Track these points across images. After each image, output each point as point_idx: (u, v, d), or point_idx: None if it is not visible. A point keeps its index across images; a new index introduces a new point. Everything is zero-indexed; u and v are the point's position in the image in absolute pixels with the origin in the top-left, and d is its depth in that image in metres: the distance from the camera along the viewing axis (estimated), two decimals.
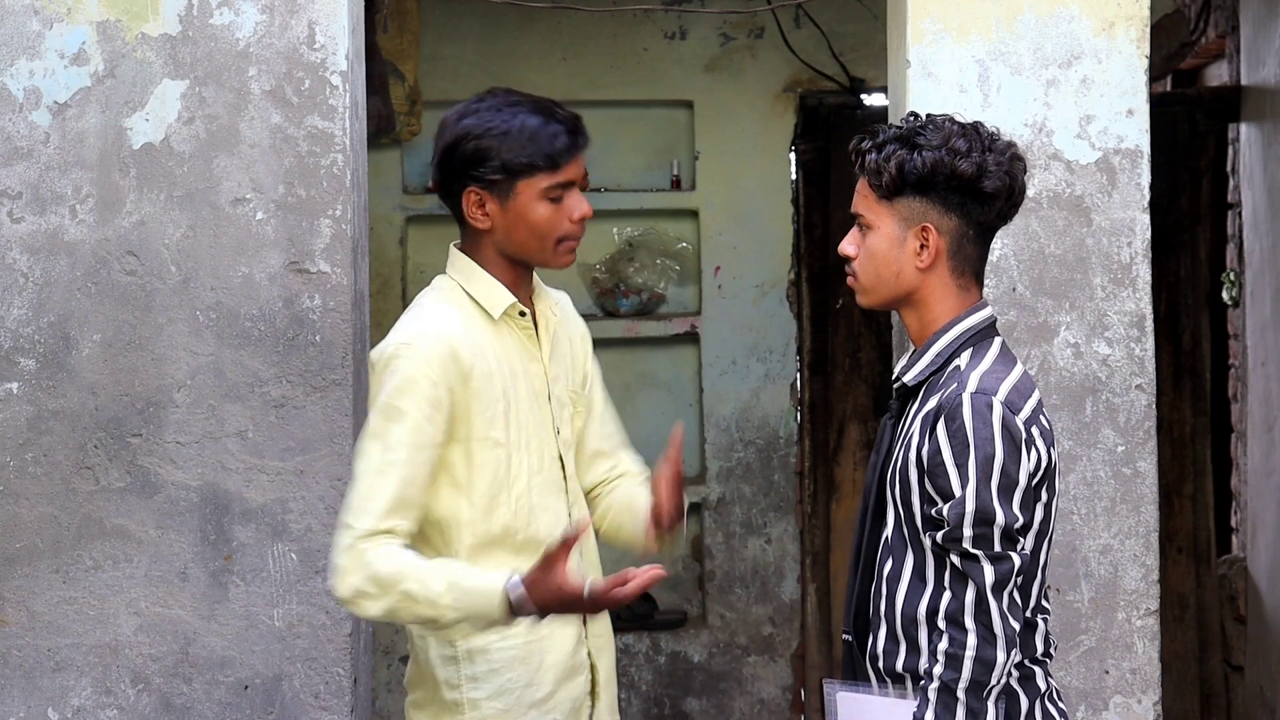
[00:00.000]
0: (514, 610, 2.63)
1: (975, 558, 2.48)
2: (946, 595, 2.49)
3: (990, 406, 2.49)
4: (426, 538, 2.78)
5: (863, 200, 2.64)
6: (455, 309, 2.81)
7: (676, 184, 6.24)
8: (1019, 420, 2.50)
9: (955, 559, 2.49)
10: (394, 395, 2.71)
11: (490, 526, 2.78)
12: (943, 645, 2.48)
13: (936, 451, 2.50)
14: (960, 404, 2.50)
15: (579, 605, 2.66)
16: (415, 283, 6.13)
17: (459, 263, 2.87)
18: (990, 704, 2.48)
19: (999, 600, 2.47)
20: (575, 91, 6.14)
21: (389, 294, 6.07)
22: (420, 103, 5.68)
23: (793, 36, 6.06)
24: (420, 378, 2.71)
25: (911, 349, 2.68)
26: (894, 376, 2.69)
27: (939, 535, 2.49)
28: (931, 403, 2.56)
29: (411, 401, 2.70)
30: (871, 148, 2.61)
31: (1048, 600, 2.65)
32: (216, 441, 3.37)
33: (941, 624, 2.48)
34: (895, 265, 2.62)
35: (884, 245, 2.62)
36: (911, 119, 2.64)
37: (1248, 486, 5.74)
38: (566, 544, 2.64)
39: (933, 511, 2.51)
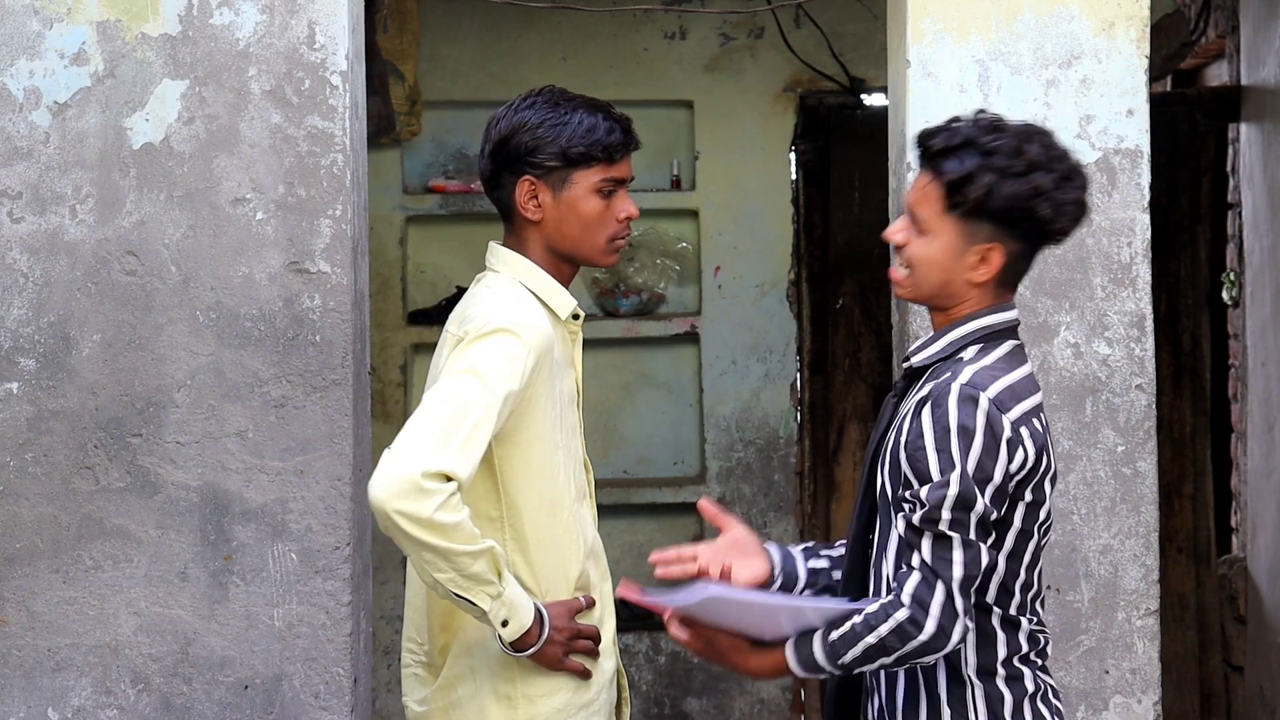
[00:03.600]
0: (538, 629, 2.74)
1: (949, 541, 2.50)
2: (915, 577, 2.51)
3: (975, 400, 2.51)
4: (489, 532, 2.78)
5: (927, 203, 2.60)
6: (535, 303, 2.81)
7: (676, 184, 6.24)
8: (1005, 419, 2.51)
9: (927, 542, 2.50)
10: (493, 363, 2.67)
11: (553, 530, 2.80)
12: (901, 615, 2.50)
13: (919, 435, 2.52)
14: (948, 392, 2.52)
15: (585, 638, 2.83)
16: (415, 283, 6.14)
17: (514, 261, 2.86)
18: (1002, 644, 2.57)
19: (966, 597, 2.51)
20: (575, 91, 6.14)
21: (389, 294, 6.07)
22: (420, 103, 5.69)
23: (793, 36, 6.07)
24: (521, 360, 2.69)
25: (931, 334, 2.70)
26: (904, 356, 2.71)
27: (916, 516, 2.51)
28: (926, 389, 2.57)
29: (507, 378, 2.67)
30: (948, 150, 2.57)
31: (1042, 605, 2.66)
32: (216, 441, 3.37)
33: (906, 599, 2.50)
34: (948, 274, 2.61)
35: (940, 255, 2.61)
36: (990, 128, 2.58)
37: (1248, 486, 5.74)
38: (589, 603, 2.85)
39: (907, 494, 2.52)
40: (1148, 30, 3.50)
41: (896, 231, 2.66)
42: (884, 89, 5.07)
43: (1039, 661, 2.63)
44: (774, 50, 6.13)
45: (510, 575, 2.69)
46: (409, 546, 2.60)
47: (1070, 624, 3.48)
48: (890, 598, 2.52)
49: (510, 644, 2.72)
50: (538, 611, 2.73)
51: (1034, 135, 2.60)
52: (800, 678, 2.64)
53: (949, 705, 2.58)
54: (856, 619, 2.52)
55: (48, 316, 3.38)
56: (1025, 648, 2.61)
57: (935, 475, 2.50)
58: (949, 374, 2.55)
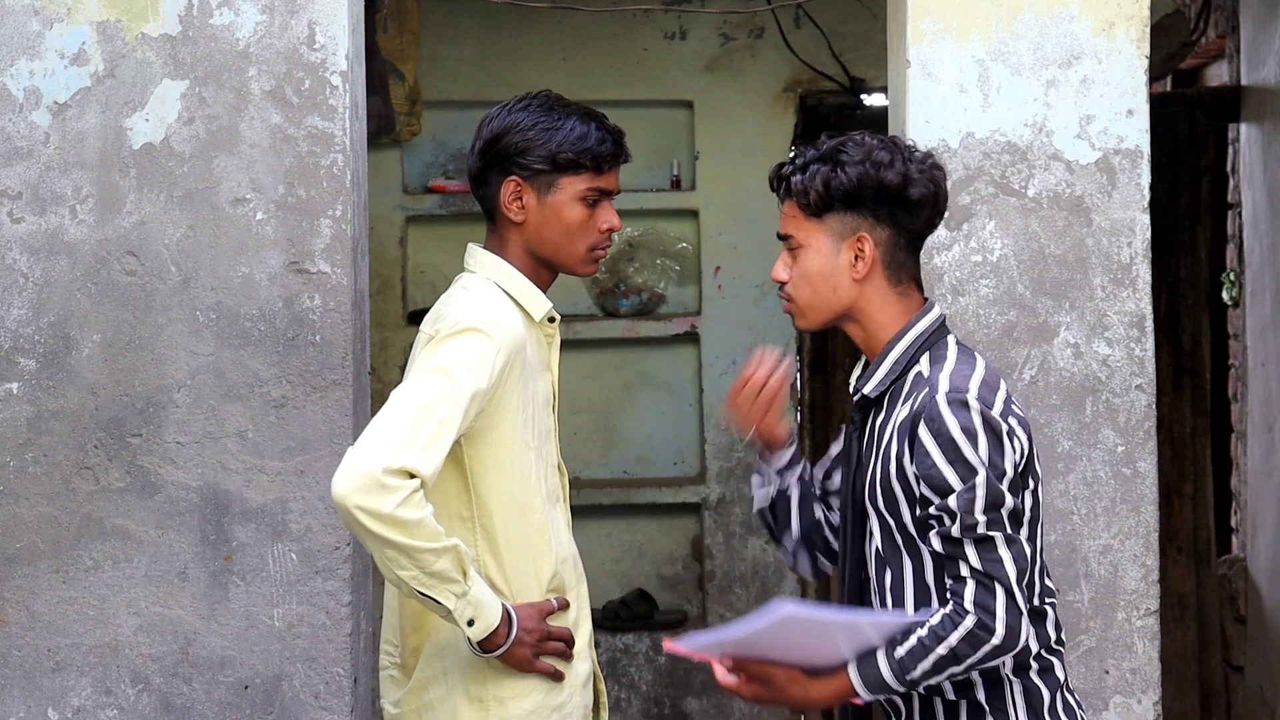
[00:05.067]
0: (506, 630, 2.73)
1: (992, 542, 2.49)
2: (971, 584, 2.49)
3: (966, 404, 2.52)
4: (458, 532, 2.78)
5: (791, 221, 2.66)
6: (509, 304, 2.82)
7: (676, 184, 6.24)
8: (994, 414, 2.52)
9: (971, 549, 2.50)
10: (462, 361, 2.68)
11: (525, 531, 2.80)
12: (969, 623, 2.49)
13: (925, 455, 2.51)
14: (935, 404, 2.52)
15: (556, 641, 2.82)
16: (415, 283, 6.14)
17: (491, 262, 2.87)
18: (1033, 637, 2.55)
19: (1022, 592, 2.50)
20: (575, 91, 6.10)
21: (389, 294, 6.07)
22: (420, 103, 5.69)
23: (793, 36, 6.07)
24: (491, 360, 2.70)
25: (864, 360, 2.69)
26: (852, 389, 2.70)
27: (953, 528, 2.50)
28: (903, 412, 2.57)
29: (475, 376, 2.68)
30: (794, 170, 2.64)
31: (1052, 582, 2.66)
32: (216, 441, 3.37)
33: (970, 606, 2.49)
34: (831, 280, 2.64)
35: (817, 262, 2.64)
36: (828, 138, 2.67)
37: (1248, 486, 5.75)
38: (561, 605, 2.83)
39: (932, 510, 2.51)
40: (1148, 30, 3.50)
41: (778, 268, 2.69)
42: (884, 89, 5.07)
43: (1061, 651, 2.64)
44: (774, 50, 6.13)
45: (476, 574, 2.69)
46: (371, 543, 2.60)
47: (1070, 624, 3.48)
48: (951, 608, 2.50)
49: (478, 644, 2.71)
50: (506, 612, 2.72)
51: (872, 135, 2.66)
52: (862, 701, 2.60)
53: (989, 705, 2.57)
54: (921, 632, 2.50)
55: (48, 316, 3.38)
56: (1052, 635, 2.62)
57: (957, 485, 2.49)
58: (926, 389, 2.55)
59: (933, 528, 2.53)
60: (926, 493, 2.52)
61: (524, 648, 2.75)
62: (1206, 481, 5.77)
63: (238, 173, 3.37)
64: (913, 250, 2.66)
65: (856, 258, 2.62)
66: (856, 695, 2.54)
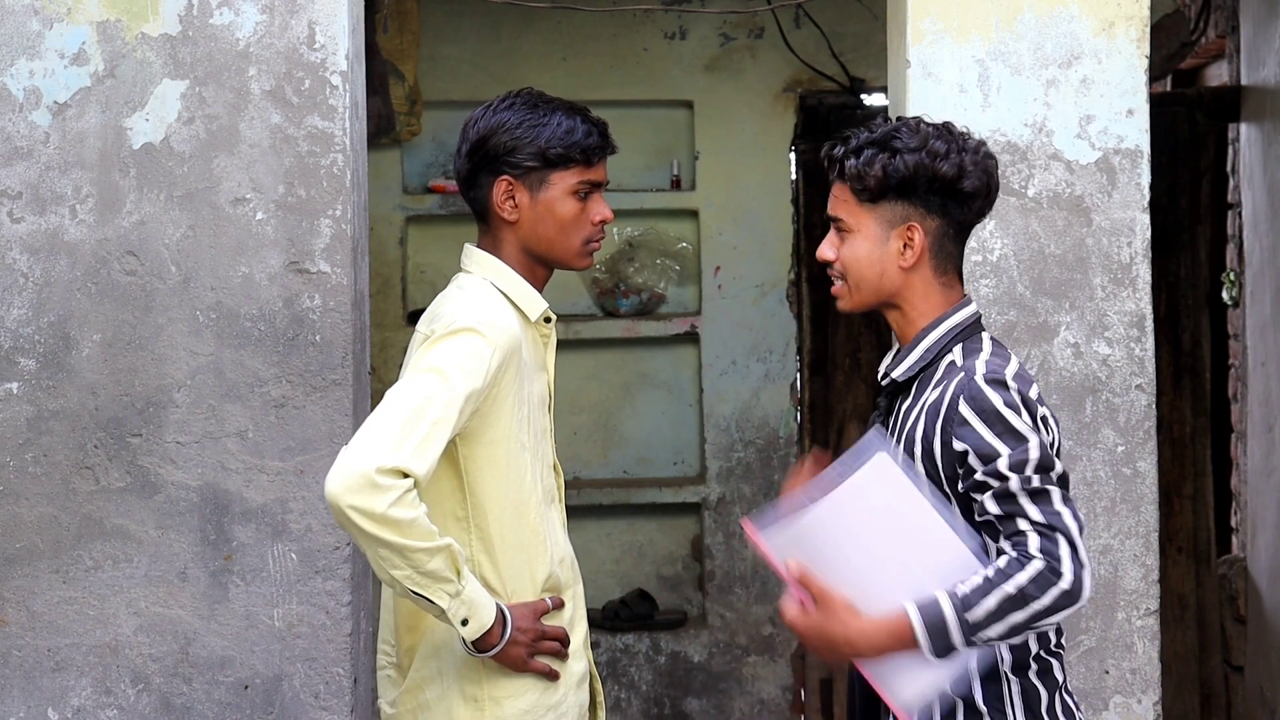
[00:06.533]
0: (500, 629, 2.72)
1: (1049, 495, 2.47)
2: (1033, 535, 2.44)
3: (1004, 383, 2.53)
4: (453, 532, 2.78)
5: (842, 204, 2.66)
6: (505, 305, 2.82)
7: (676, 184, 6.24)
8: (1031, 397, 2.54)
9: (1028, 502, 2.46)
10: (457, 361, 2.67)
11: (520, 531, 2.80)
12: (1038, 565, 2.43)
13: (971, 430, 2.50)
14: (977, 384, 2.53)
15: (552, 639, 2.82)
16: (415, 283, 6.14)
17: (486, 262, 2.87)
18: (1034, 637, 2.50)
19: (1085, 548, 2.47)
20: (575, 91, 6.11)
21: (389, 294, 6.07)
22: (420, 103, 5.69)
23: (793, 36, 6.07)
24: (486, 360, 2.70)
25: (897, 347, 2.70)
26: (881, 374, 2.71)
27: (1011, 484, 2.46)
28: (933, 395, 2.57)
29: (470, 376, 2.68)
30: (848, 153, 2.64)
31: None
32: (216, 441, 3.37)
33: (1035, 552, 2.43)
34: (879, 266, 2.64)
35: (866, 247, 2.65)
36: (882, 122, 2.68)
37: (1248, 486, 5.75)
38: (556, 604, 2.83)
39: (977, 476, 2.49)
40: (1148, 30, 3.50)
41: (825, 248, 2.69)
42: (884, 89, 5.07)
43: (1061, 652, 2.63)
44: (774, 50, 6.13)
45: (470, 574, 2.69)
46: (364, 542, 2.60)
47: (1070, 624, 3.48)
48: (1016, 554, 2.44)
49: (472, 644, 2.72)
50: (500, 611, 2.73)
51: (925, 121, 2.66)
52: (878, 662, 2.50)
53: (985, 704, 2.56)
54: (987, 571, 2.44)
55: (48, 316, 3.38)
56: (1053, 638, 2.61)
57: (1006, 450, 2.47)
58: (962, 374, 2.55)
59: (986, 491, 2.49)
60: (973, 463, 2.50)
61: (519, 647, 2.75)
62: (1206, 481, 5.77)
63: (238, 173, 3.37)
64: (960, 240, 2.67)
65: (905, 246, 2.63)
66: (909, 643, 2.45)
